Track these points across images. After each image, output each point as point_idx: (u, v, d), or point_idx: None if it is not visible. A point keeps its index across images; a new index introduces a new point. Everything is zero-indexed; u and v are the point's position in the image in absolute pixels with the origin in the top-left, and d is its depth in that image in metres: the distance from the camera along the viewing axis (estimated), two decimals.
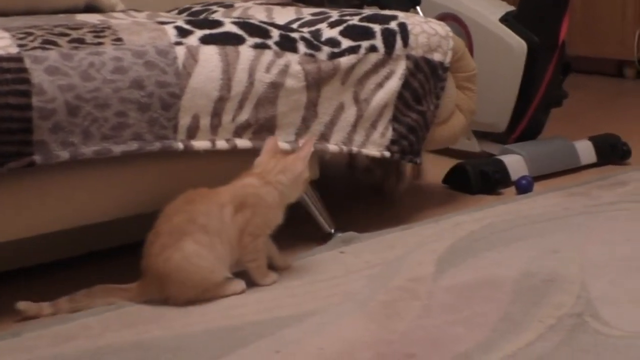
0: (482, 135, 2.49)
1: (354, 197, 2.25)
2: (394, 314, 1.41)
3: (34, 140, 1.37)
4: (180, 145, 1.51)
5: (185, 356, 1.27)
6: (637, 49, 3.96)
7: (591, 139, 2.44)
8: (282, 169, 1.53)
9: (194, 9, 2.14)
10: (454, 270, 1.61)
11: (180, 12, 2.17)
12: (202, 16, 2.09)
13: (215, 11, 2.09)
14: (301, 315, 1.41)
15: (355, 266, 1.65)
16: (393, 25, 1.81)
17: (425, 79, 1.84)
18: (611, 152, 2.43)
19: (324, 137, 1.71)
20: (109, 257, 1.70)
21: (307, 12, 1.95)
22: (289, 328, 1.36)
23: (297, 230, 1.81)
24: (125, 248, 1.65)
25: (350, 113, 1.73)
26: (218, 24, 1.60)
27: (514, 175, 2.23)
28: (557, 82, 2.41)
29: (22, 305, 1.41)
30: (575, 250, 1.69)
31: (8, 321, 1.42)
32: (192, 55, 1.51)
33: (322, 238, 1.80)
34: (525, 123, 2.39)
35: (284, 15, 1.95)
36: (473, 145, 2.49)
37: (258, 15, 1.98)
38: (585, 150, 2.40)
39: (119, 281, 1.49)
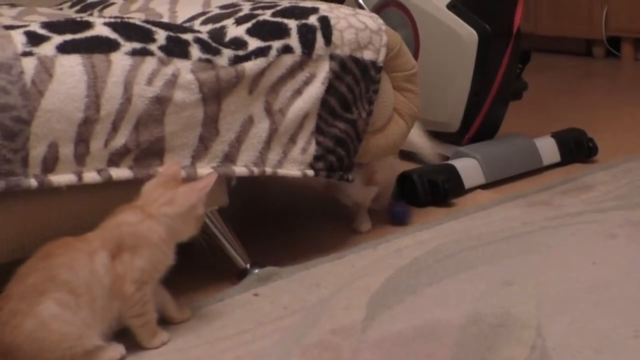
0: (433, 136, 2.24)
1: (276, 221, 1.95)
2: None
3: None
4: (33, 182, 1.21)
5: None
6: (605, 28, 3.77)
7: (554, 135, 2.27)
8: (169, 200, 1.26)
9: (88, 1, 1.83)
10: (388, 315, 1.37)
11: (72, 5, 1.85)
12: (97, 9, 1.79)
13: (113, 3, 1.78)
14: None
15: (269, 314, 1.38)
16: (312, 20, 1.52)
17: (355, 82, 1.56)
18: (576, 150, 2.26)
19: (229, 158, 1.42)
20: None
21: (217, 5, 1.65)
22: None
23: (206, 267, 1.55)
24: None
25: (261, 127, 1.45)
26: (85, 26, 1.30)
27: (468, 182, 2.03)
28: (515, 74, 2.20)
29: None
30: (532, 281, 1.49)
31: None
32: (46, 68, 1.21)
33: (237, 276, 1.52)
34: (480, 121, 2.19)
35: (189, 8, 1.66)
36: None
37: (160, 8, 1.69)
38: (548, 149, 2.22)
39: None
